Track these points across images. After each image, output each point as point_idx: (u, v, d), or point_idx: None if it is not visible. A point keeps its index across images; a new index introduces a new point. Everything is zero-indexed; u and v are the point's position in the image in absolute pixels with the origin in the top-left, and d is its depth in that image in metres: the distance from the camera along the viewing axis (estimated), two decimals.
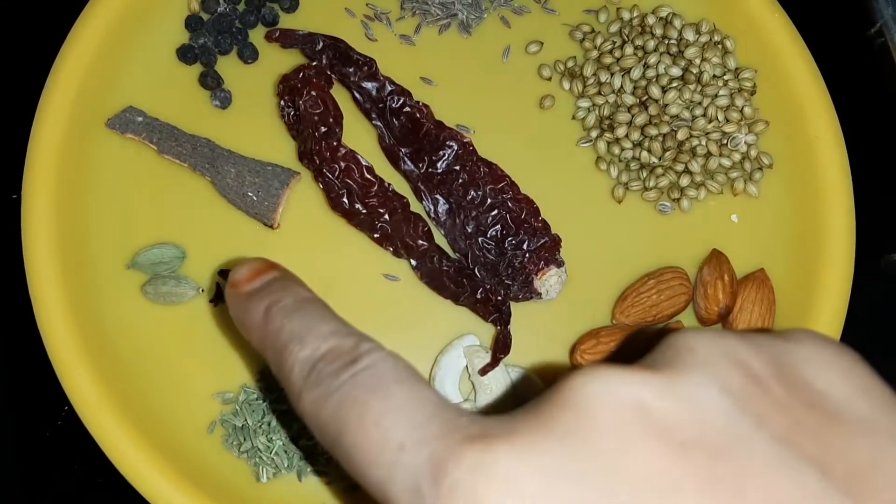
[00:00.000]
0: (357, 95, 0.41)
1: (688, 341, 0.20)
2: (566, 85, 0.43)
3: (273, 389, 0.38)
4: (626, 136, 0.42)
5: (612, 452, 0.18)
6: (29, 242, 0.38)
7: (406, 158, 0.41)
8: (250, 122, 0.41)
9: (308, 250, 0.40)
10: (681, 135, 0.42)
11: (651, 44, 0.43)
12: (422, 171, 0.41)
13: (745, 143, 0.42)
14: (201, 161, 0.40)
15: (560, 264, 0.40)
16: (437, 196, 0.40)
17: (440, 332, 0.40)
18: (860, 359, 0.21)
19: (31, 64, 0.41)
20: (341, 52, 0.41)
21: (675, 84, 0.42)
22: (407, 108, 0.41)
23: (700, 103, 0.42)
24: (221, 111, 0.41)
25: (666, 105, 0.42)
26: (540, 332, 0.40)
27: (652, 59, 0.42)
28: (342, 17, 0.43)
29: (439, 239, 0.41)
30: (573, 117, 0.43)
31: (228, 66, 0.42)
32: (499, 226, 0.40)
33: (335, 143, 0.39)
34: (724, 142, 0.42)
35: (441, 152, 0.40)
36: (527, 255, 0.39)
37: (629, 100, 0.42)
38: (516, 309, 0.40)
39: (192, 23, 0.42)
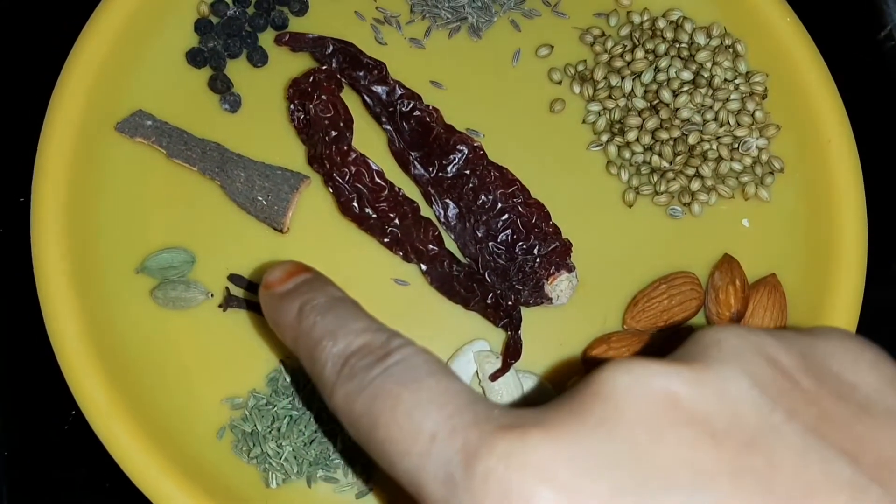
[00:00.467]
0: (367, 99, 0.41)
1: (717, 336, 0.20)
2: (576, 89, 0.43)
3: (284, 394, 0.37)
4: (637, 140, 0.42)
5: (645, 441, 0.18)
6: (38, 246, 0.38)
7: (416, 162, 0.41)
8: (260, 125, 0.41)
9: (318, 255, 0.40)
10: (692, 139, 0.42)
11: (662, 47, 0.43)
12: (432, 175, 0.40)
13: (756, 147, 0.42)
14: (211, 165, 0.40)
15: (571, 269, 0.39)
16: (448, 200, 0.40)
17: (450, 337, 0.40)
18: (885, 353, 0.22)
19: (40, 68, 0.41)
20: (351, 56, 0.41)
21: (686, 88, 0.42)
22: (417, 112, 0.41)
23: (711, 107, 0.42)
24: (231, 115, 0.41)
25: (677, 109, 0.42)
26: (550, 337, 0.40)
27: (663, 63, 0.42)
28: (352, 20, 0.43)
29: (449, 243, 0.40)
30: (583, 121, 0.43)
31: (238, 70, 0.42)
32: (509, 230, 0.40)
33: (345, 148, 0.39)
34: (736, 146, 0.42)
35: (451, 156, 0.40)
36: (537, 259, 0.39)
37: (640, 104, 0.42)
38: (527, 314, 0.40)
39: (201, 26, 0.42)
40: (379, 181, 0.39)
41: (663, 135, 0.42)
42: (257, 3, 0.43)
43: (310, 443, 0.37)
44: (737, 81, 0.43)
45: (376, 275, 0.40)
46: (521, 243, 0.39)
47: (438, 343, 0.39)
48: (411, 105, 0.41)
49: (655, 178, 0.42)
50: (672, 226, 0.42)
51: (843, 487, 0.17)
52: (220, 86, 0.41)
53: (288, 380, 0.38)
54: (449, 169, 0.40)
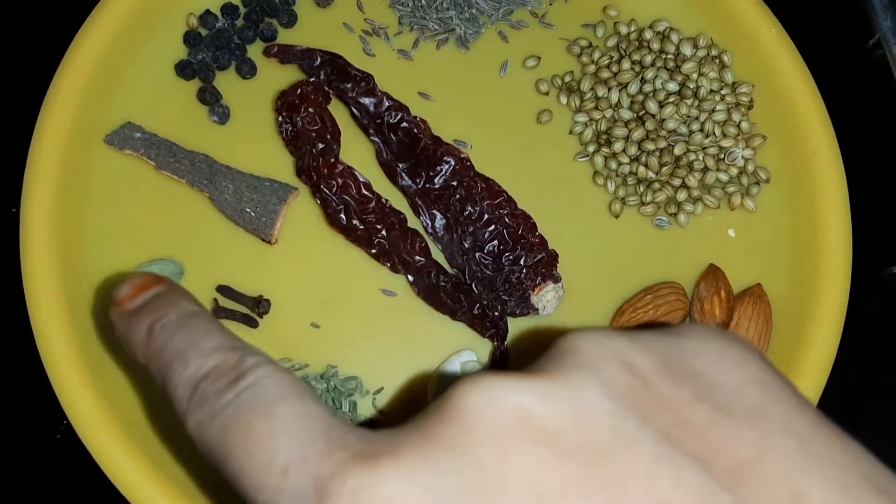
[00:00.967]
0: (355, 111, 0.41)
1: (572, 343, 0.20)
2: (563, 100, 0.43)
3: None
4: (624, 150, 0.42)
5: (495, 463, 0.17)
6: (27, 257, 0.38)
7: (403, 174, 0.41)
8: (248, 137, 0.41)
9: (306, 266, 0.40)
10: (678, 149, 0.42)
11: (648, 58, 0.43)
12: (419, 186, 0.41)
13: (742, 157, 0.43)
14: (199, 177, 0.40)
15: (557, 280, 0.40)
16: (435, 211, 0.41)
17: (437, 347, 0.40)
18: (753, 349, 0.21)
19: (30, 79, 0.41)
20: (339, 68, 0.41)
21: (672, 99, 0.42)
22: (404, 124, 0.41)
23: (697, 118, 0.42)
24: (220, 126, 0.42)
25: (663, 120, 0.42)
26: (537, 347, 0.40)
27: (649, 74, 0.43)
28: (340, 32, 0.43)
29: (437, 254, 0.41)
30: (570, 132, 0.43)
31: (227, 82, 0.42)
32: (496, 241, 0.40)
33: (332, 160, 0.40)
34: (722, 156, 0.42)
35: (438, 168, 0.40)
36: (524, 270, 0.40)
37: (626, 114, 0.42)
38: (513, 324, 0.40)
39: (190, 38, 0.42)
40: (366, 193, 0.40)
41: (650, 145, 0.42)
42: (246, 16, 0.43)
43: None
44: (723, 92, 0.43)
45: (364, 286, 0.40)
46: (507, 254, 0.40)
47: (425, 353, 0.40)
48: (399, 116, 0.41)
49: (642, 189, 0.42)
50: (658, 236, 0.42)
51: (692, 494, 0.17)
52: (209, 98, 0.41)
53: None
54: (436, 180, 0.40)
